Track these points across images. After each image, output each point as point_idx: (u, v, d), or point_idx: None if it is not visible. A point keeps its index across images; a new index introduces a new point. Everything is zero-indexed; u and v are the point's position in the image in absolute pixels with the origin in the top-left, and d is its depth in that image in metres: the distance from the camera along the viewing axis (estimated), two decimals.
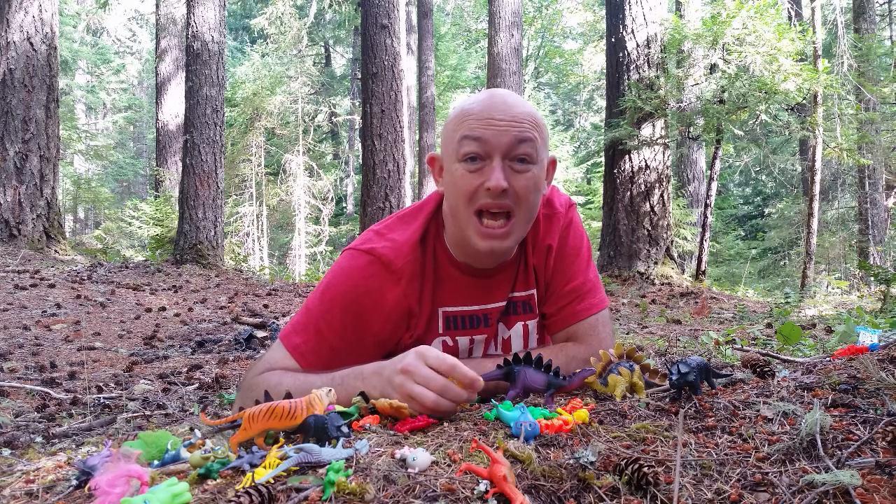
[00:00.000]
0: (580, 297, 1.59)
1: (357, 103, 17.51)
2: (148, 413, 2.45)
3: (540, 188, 1.46)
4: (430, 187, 14.05)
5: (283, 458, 0.95)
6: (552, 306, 1.62)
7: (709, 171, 9.44)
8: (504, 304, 1.60)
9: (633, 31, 8.52)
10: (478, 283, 1.57)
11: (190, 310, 5.52)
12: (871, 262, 10.98)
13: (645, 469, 0.86)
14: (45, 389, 2.82)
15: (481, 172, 1.40)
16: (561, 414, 1.12)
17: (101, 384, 3.00)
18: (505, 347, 1.64)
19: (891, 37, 17.43)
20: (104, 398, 2.72)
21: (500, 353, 1.63)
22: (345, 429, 1.05)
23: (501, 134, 1.38)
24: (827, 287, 10.17)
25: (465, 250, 1.52)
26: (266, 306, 5.96)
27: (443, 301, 1.57)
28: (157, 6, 14.59)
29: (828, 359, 1.44)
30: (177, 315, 5.22)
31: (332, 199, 17.90)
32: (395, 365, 1.25)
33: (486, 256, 1.50)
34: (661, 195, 8.51)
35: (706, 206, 8.88)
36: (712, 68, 8.65)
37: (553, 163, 1.53)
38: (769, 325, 4.64)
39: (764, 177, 20.85)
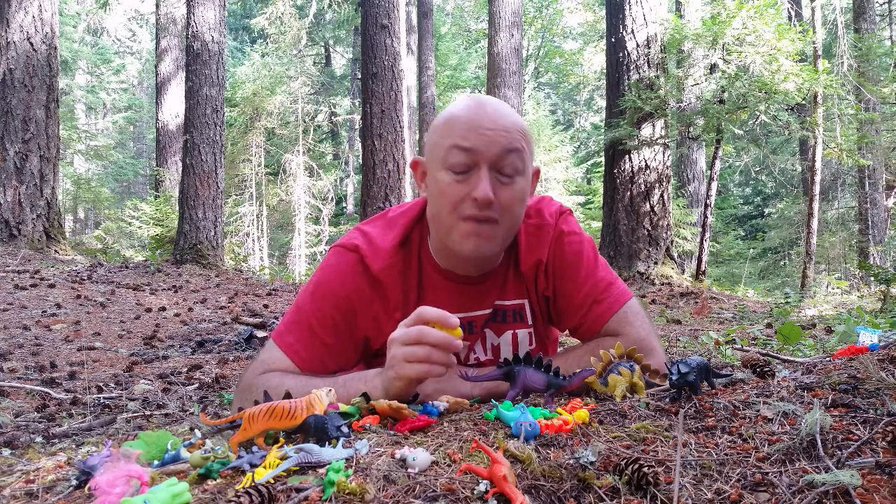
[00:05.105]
0: (597, 300, 1.54)
1: (357, 103, 17.50)
2: (148, 413, 2.44)
3: (525, 200, 1.46)
4: None
5: (283, 458, 0.94)
6: (572, 319, 1.58)
7: (709, 171, 9.44)
8: (490, 311, 1.58)
9: (633, 31, 8.52)
10: (463, 289, 1.55)
11: (190, 310, 5.52)
12: (871, 262, 10.98)
13: (645, 469, 0.86)
14: (45, 389, 2.82)
15: (468, 181, 1.39)
16: (561, 414, 1.12)
17: (101, 384, 3.00)
18: (494, 353, 1.63)
19: (891, 37, 17.42)
20: (104, 398, 2.72)
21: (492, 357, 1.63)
22: (345, 429, 1.05)
23: (490, 143, 1.37)
24: (827, 287, 10.17)
25: (449, 256, 1.51)
26: (266, 306, 5.96)
27: None
28: (157, 6, 14.58)
29: (828, 359, 1.43)
30: (177, 315, 5.22)
31: (332, 199, 17.90)
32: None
33: (469, 260, 1.49)
34: (661, 195, 8.51)
35: (706, 206, 8.88)
36: (712, 68, 8.65)
37: (537, 173, 1.51)
38: (769, 325, 4.65)
39: (764, 177, 20.84)
